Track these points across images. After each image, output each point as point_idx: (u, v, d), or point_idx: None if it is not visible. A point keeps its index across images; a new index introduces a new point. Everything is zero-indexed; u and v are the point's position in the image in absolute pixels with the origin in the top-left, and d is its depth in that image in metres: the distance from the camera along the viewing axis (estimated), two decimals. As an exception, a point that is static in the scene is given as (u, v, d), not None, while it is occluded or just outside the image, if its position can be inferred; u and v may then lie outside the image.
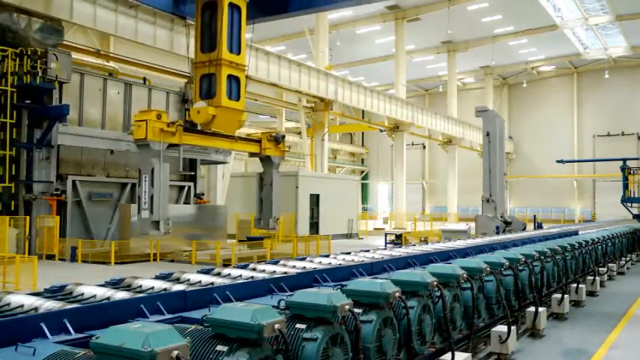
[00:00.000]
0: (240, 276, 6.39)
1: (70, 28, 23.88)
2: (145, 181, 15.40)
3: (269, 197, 19.29)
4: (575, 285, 10.76)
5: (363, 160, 67.94)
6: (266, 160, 19.66)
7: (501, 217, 24.02)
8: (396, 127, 41.10)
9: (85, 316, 4.02)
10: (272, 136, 19.34)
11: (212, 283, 5.71)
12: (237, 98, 17.67)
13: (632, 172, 28.78)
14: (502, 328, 6.89)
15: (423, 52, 51.63)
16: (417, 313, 5.36)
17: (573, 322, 9.36)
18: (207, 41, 17.49)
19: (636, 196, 28.25)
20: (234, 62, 17.62)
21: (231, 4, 17.42)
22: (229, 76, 17.40)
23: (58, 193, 18.28)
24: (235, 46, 17.73)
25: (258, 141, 19.12)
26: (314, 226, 27.87)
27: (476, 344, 7.23)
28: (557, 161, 43.98)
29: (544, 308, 8.41)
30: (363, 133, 65.76)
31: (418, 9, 41.49)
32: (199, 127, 16.95)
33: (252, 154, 19.93)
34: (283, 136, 19.89)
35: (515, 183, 57.86)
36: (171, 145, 15.97)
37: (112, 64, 26.14)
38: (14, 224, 16.16)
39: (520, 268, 8.30)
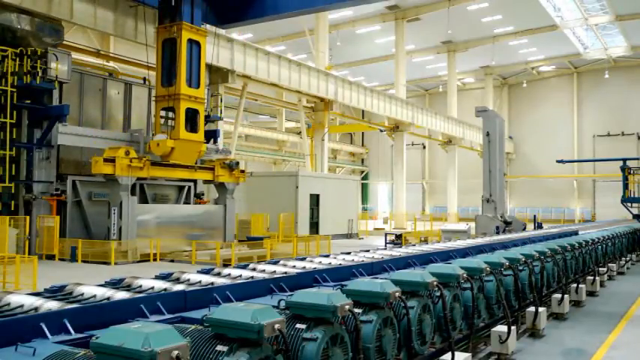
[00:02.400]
0: (240, 276, 6.39)
1: (70, 28, 23.89)
2: (114, 213, 16.94)
3: (223, 221, 20.65)
4: (575, 285, 10.75)
5: (363, 160, 67.95)
6: (220, 187, 20.67)
7: (501, 217, 24.02)
8: (396, 127, 41.10)
9: (85, 316, 4.01)
10: (225, 164, 20.42)
11: (212, 283, 5.71)
12: (196, 130, 18.58)
13: (632, 172, 28.77)
14: (502, 328, 6.89)
15: (423, 52, 51.64)
16: (417, 313, 5.36)
17: (573, 322, 9.36)
18: (167, 76, 18.29)
19: (636, 196, 28.24)
20: (192, 96, 18.41)
21: (190, 40, 18.21)
22: (188, 110, 18.23)
23: (58, 193, 18.28)
24: (195, 81, 18.55)
25: (211, 169, 20.19)
26: (314, 226, 27.88)
27: (476, 344, 7.23)
28: (557, 161, 43.99)
29: (544, 308, 8.41)
30: (363, 133, 65.78)
31: (418, 9, 41.49)
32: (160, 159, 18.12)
33: (206, 182, 21.02)
34: (237, 163, 20.95)
35: (515, 183, 57.86)
36: (140, 179, 17.53)
37: (112, 64, 26.17)
38: (14, 224, 16.16)
39: (520, 268, 8.29)
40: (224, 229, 20.53)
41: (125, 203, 16.95)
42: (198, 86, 18.67)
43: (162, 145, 17.81)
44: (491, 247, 10.79)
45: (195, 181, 23.18)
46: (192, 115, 18.59)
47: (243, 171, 21.46)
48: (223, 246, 18.98)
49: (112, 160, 16.41)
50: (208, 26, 24.24)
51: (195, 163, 19.59)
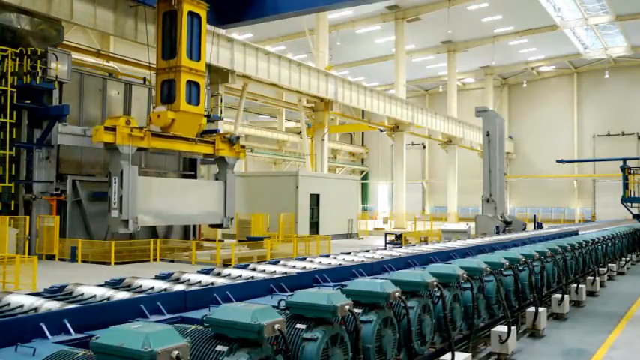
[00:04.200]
0: (240, 276, 6.39)
1: (70, 28, 23.89)
2: (115, 182, 16.54)
3: (221, 197, 19.84)
4: (575, 285, 10.76)
5: (363, 160, 67.95)
6: (220, 161, 20.07)
7: (501, 217, 24.04)
8: (396, 127, 41.10)
9: (85, 316, 4.02)
10: (226, 138, 19.83)
11: (212, 283, 5.71)
12: (197, 103, 18.29)
13: (632, 172, 28.77)
14: (502, 328, 6.89)
15: (423, 52, 51.64)
16: (417, 313, 5.36)
17: (573, 322, 9.36)
18: (168, 48, 18.06)
19: (636, 196, 28.24)
20: (193, 68, 18.17)
21: (190, 13, 17.98)
22: (189, 82, 18.01)
23: (58, 193, 18.28)
24: (195, 53, 18.32)
25: (212, 142, 19.46)
26: (314, 226, 27.88)
27: (476, 344, 7.23)
28: (557, 161, 43.99)
29: (544, 308, 8.41)
30: (363, 133, 65.78)
31: (418, 9, 41.49)
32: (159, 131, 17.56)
33: (206, 155, 20.30)
34: (237, 138, 20.32)
35: (515, 183, 57.85)
36: (140, 149, 16.99)
37: (112, 64, 26.17)
38: (14, 224, 16.16)
39: (520, 268, 8.30)
40: (224, 206, 19.92)
41: (126, 172, 16.53)
42: (198, 59, 18.46)
43: (163, 117, 17.48)
44: (491, 247, 10.80)
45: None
46: (193, 88, 18.28)
47: (243, 146, 20.91)
48: (223, 246, 19.01)
49: (112, 129, 16.02)
50: (208, 27, 24.25)
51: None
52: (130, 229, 16.55)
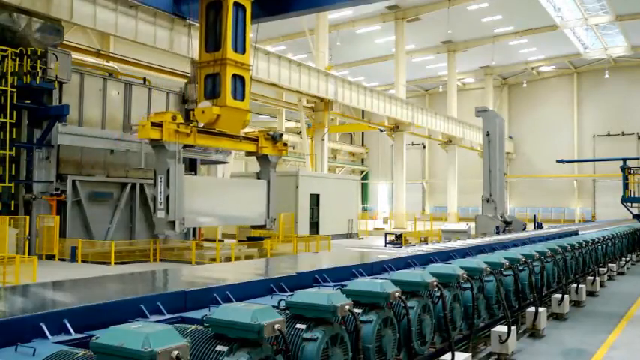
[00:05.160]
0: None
1: (70, 28, 23.88)
2: (161, 181, 15.54)
3: (264, 197, 19.21)
4: (575, 285, 10.76)
5: (363, 160, 67.93)
6: (263, 159, 19.42)
7: (501, 217, 24.03)
8: (396, 127, 41.09)
9: (85, 316, 4.01)
10: (269, 135, 19.18)
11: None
12: (242, 98, 17.51)
13: (632, 172, 28.77)
14: (502, 328, 6.89)
15: (423, 52, 51.62)
16: (417, 313, 5.36)
17: (573, 322, 9.36)
18: (212, 41, 17.32)
19: (636, 196, 28.23)
20: (238, 62, 17.44)
21: (236, 4, 17.26)
22: (234, 76, 17.23)
23: (58, 193, 18.28)
24: (240, 46, 17.58)
25: (255, 139, 18.88)
26: (314, 226, 27.87)
27: (476, 344, 7.23)
28: (557, 161, 43.97)
29: (544, 308, 8.41)
30: (363, 133, 65.75)
31: (418, 9, 41.47)
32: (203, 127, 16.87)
33: (249, 153, 19.70)
34: (281, 135, 19.78)
35: (515, 183, 57.83)
36: (186, 146, 16.18)
37: (112, 64, 26.15)
38: (14, 224, 16.16)
39: (520, 268, 8.30)
40: (267, 204, 19.27)
41: (172, 171, 15.62)
42: (244, 52, 17.75)
43: (208, 113, 16.68)
44: (491, 247, 10.80)
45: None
46: (238, 82, 17.63)
47: (285, 144, 20.38)
48: (224, 246, 19.01)
49: (159, 125, 15.19)
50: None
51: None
52: (176, 231, 15.80)
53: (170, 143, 15.46)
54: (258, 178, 19.59)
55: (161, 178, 15.56)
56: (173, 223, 15.62)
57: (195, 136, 16.17)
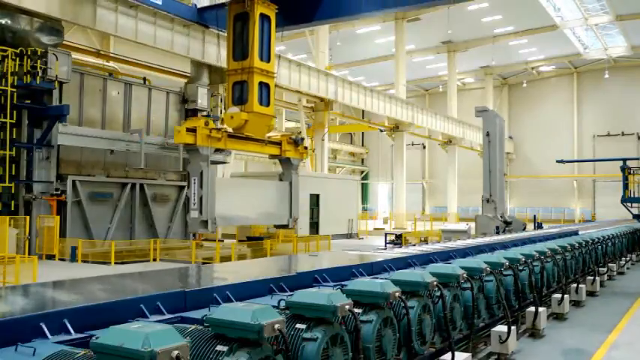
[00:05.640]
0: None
1: (70, 28, 23.89)
2: (194, 183, 16.90)
3: (287, 198, 20.50)
4: (575, 285, 10.76)
5: (363, 160, 67.93)
6: (285, 162, 20.61)
7: (501, 217, 24.01)
8: (396, 127, 41.09)
9: (85, 316, 4.02)
10: (292, 139, 20.36)
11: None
12: (268, 104, 18.66)
13: (632, 172, 28.77)
14: (502, 328, 6.89)
15: (423, 52, 51.62)
16: (417, 313, 5.36)
17: (573, 322, 9.36)
18: (239, 50, 18.43)
19: (636, 196, 28.24)
20: (264, 70, 18.52)
21: (261, 15, 18.33)
22: (260, 83, 18.29)
23: (58, 193, 18.28)
24: (265, 55, 18.67)
25: (278, 143, 20.02)
26: (314, 226, 27.86)
27: (476, 344, 7.23)
28: (557, 161, 43.96)
29: (544, 308, 8.41)
30: (363, 133, 65.75)
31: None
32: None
33: (272, 156, 20.72)
34: (303, 139, 20.93)
35: (515, 183, 57.84)
36: (217, 150, 17.54)
37: (112, 64, 26.17)
38: (14, 224, 16.16)
39: (520, 268, 8.30)
40: (290, 204, 20.42)
41: (205, 173, 16.96)
42: (269, 60, 18.84)
43: (237, 118, 17.81)
44: (491, 247, 10.80)
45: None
46: (264, 89, 18.72)
47: (306, 147, 21.51)
48: (224, 246, 19.02)
49: (193, 130, 16.48)
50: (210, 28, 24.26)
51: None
52: (209, 230, 16.89)
53: (203, 147, 16.77)
54: (281, 180, 20.84)
55: (195, 180, 16.87)
56: (206, 222, 16.90)
57: (225, 140, 17.57)
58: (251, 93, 18.03)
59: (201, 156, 16.84)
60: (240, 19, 18.47)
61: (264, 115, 18.36)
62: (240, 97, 18.25)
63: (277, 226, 20.97)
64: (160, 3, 20.32)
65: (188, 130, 16.40)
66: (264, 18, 18.56)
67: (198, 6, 21.87)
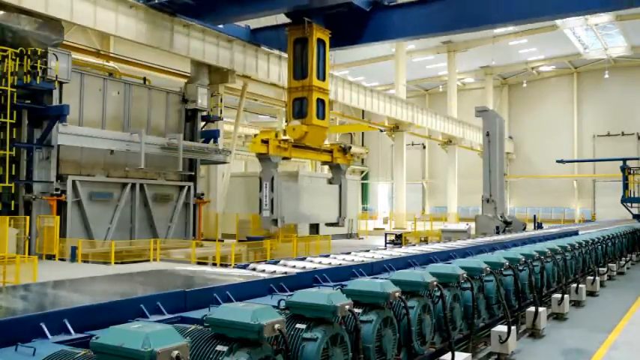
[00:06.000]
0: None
1: (70, 28, 23.88)
2: (266, 187, 19.49)
3: (337, 199, 23.27)
4: (575, 285, 10.76)
5: (363, 160, 67.91)
6: (336, 168, 23.24)
7: (501, 217, 24.02)
8: (396, 127, 41.08)
9: (85, 316, 4.02)
10: (341, 147, 23.27)
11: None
12: (323, 117, 21.22)
13: (632, 172, 28.77)
14: (502, 328, 6.89)
15: (423, 52, 51.59)
16: (417, 313, 5.36)
17: (573, 322, 9.36)
18: (299, 70, 20.90)
19: (636, 196, 28.24)
20: (321, 87, 21.08)
21: (318, 39, 20.83)
22: (317, 99, 20.79)
23: (58, 193, 18.28)
24: (321, 74, 21.19)
25: (330, 151, 22.82)
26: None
27: (476, 344, 7.23)
28: (557, 161, 43.95)
29: (544, 308, 8.41)
30: (363, 133, 65.71)
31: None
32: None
33: (324, 162, 23.81)
34: (350, 147, 23.94)
35: (515, 183, 57.83)
36: (283, 158, 20.34)
37: (112, 64, 26.16)
38: (14, 224, 16.16)
39: (520, 268, 8.30)
40: (339, 205, 22.93)
41: (275, 178, 19.42)
42: (324, 79, 21.23)
43: (298, 130, 20.14)
44: (491, 247, 10.80)
45: (195, 181, 23.22)
46: (320, 104, 21.06)
47: (352, 154, 24.42)
48: (224, 246, 19.02)
49: (266, 142, 19.00)
50: (205, 24, 24.28)
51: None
52: (278, 227, 19.61)
53: (274, 156, 19.40)
54: (330, 183, 23.62)
55: (266, 185, 19.46)
56: (276, 220, 19.40)
57: (290, 149, 20.16)
58: (310, 108, 20.47)
59: (272, 163, 19.35)
60: (299, 43, 20.90)
61: (320, 127, 20.91)
62: (300, 112, 20.69)
63: (328, 224, 23.95)
64: (222, 27, 23.77)
65: (262, 141, 19.06)
66: (320, 42, 21.00)
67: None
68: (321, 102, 21.03)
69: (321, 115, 21.02)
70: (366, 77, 55.42)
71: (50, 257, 17.08)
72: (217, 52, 24.25)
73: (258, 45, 25.56)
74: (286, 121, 21.55)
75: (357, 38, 23.76)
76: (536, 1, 20.47)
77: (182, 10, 21.71)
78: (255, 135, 20.00)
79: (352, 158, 24.45)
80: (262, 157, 19.38)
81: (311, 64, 20.44)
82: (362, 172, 66.15)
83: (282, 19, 23.00)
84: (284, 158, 20.28)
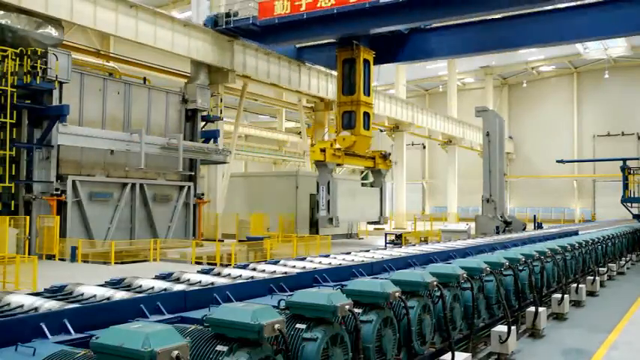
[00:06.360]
0: (240, 276, 6.39)
1: (70, 28, 23.90)
2: (323, 190, 22.53)
3: (379, 199, 26.85)
4: (575, 285, 10.75)
5: (363, 160, 67.86)
6: (377, 172, 26.52)
7: (501, 217, 24.02)
8: (396, 127, 41.09)
9: (85, 316, 4.02)
10: (382, 154, 26.49)
11: (212, 283, 5.71)
12: (368, 128, 24.70)
13: (632, 172, 28.76)
14: (502, 328, 6.88)
15: (423, 52, 51.51)
16: (417, 313, 5.36)
17: (573, 322, 9.36)
18: (347, 87, 24.34)
19: (636, 196, 28.23)
20: (367, 102, 24.41)
21: (364, 59, 24.08)
22: (364, 112, 24.06)
23: (58, 193, 18.27)
24: (366, 90, 24.43)
25: (373, 158, 26.14)
26: (314, 226, 27.83)
27: (476, 344, 7.23)
28: (557, 161, 43.94)
29: (544, 308, 8.40)
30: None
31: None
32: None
33: (367, 167, 27.22)
34: (389, 154, 27.39)
35: (515, 183, 57.84)
36: (337, 164, 23.70)
37: (112, 64, 26.16)
38: (14, 224, 16.15)
39: (520, 268, 8.29)
40: (380, 205, 26.43)
41: (331, 182, 22.27)
42: (369, 94, 24.55)
43: (348, 140, 23.44)
44: (491, 247, 10.80)
45: (195, 181, 23.22)
46: (365, 117, 24.31)
47: (391, 160, 28.03)
48: (223, 245, 19.01)
49: (323, 150, 21.94)
50: (205, 25, 24.29)
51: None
52: (334, 225, 22.80)
53: (330, 163, 22.35)
54: (372, 186, 27.18)
55: (323, 188, 22.43)
56: (331, 219, 22.44)
57: (342, 157, 23.33)
58: (358, 120, 23.85)
59: (328, 169, 22.18)
60: (347, 63, 24.14)
61: (366, 136, 24.21)
62: (348, 123, 23.98)
63: (370, 223, 28.26)
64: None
65: (321, 150, 22.08)
66: (366, 62, 24.16)
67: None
68: (366, 115, 24.28)
69: (367, 126, 24.40)
70: (366, 77, 55.37)
71: (50, 257, 17.08)
72: (217, 52, 24.34)
73: (304, 62, 29.08)
74: (336, 132, 24.77)
75: (396, 57, 27.24)
76: (561, 28, 23.11)
77: (247, 35, 24.76)
78: (313, 144, 24.59)
79: (391, 164, 27.82)
80: (320, 164, 22.23)
81: (359, 82, 23.73)
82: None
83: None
84: (338, 164, 23.35)
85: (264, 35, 24.34)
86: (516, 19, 23.94)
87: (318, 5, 22.31)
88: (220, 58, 24.43)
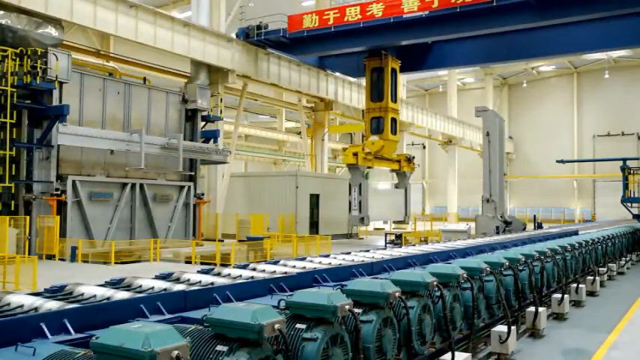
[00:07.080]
0: (240, 276, 6.39)
1: (70, 28, 23.90)
2: (355, 191, 24.86)
3: (403, 200, 29.56)
4: (575, 285, 10.76)
5: (363, 160, 67.87)
6: (401, 174, 29.10)
7: (501, 217, 24.03)
8: (396, 127, 41.05)
9: (85, 316, 4.02)
10: (407, 157, 28.94)
11: (212, 283, 5.71)
12: (395, 133, 26.85)
13: (632, 172, 28.75)
14: (502, 328, 6.89)
15: (423, 52, 51.52)
16: (417, 313, 5.36)
17: (573, 322, 9.36)
18: (376, 94, 26.26)
19: (636, 196, 28.22)
20: (394, 108, 26.46)
21: (391, 68, 25.98)
22: (391, 118, 25.97)
23: (58, 193, 18.26)
24: (393, 97, 26.51)
25: (398, 161, 28.49)
26: (314, 226, 27.83)
27: (476, 344, 7.23)
28: (557, 161, 43.93)
29: (544, 308, 8.41)
30: (363, 133, 65.67)
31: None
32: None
33: (392, 170, 29.30)
34: (413, 157, 30.14)
35: (515, 183, 57.82)
36: (368, 167, 26.31)
37: (112, 64, 26.17)
38: (14, 224, 16.14)
39: (520, 268, 8.30)
40: (405, 206, 29.33)
41: (363, 184, 24.47)
42: (395, 101, 26.55)
43: (376, 144, 25.40)
44: (491, 247, 10.81)
45: (195, 181, 23.21)
46: (392, 122, 26.23)
47: (414, 163, 30.70)
48: (223, 245, 19.00)
49: (355, 154, 23.98)
50: (206, 25, 24.32)
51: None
52: (365, 224, 25.43)
53: (361, 166, 24.47)
54: (396, 188, 30.40)
55: (355, 189, 24.75)
56: (362, 219, 24.73)
57: (372, 160, 25.60)
58: (386, 126, 25.72)
59: (360, 172, 24.27)
60: (375, 72, 25.90)
61: (393, 141, 26.28)
62: (377, 128, 25.72)
63: (396, 222, 31.17)
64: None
65: (353, 154, 24.11)
66: (393, 70, 25.94)
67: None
68: (393, 120, 26.12)
69: (394, 131, 26.29)
70: (366, 77, 55.35)
71: (50, 257, 17.07)
72: (217, 52, 24.34)
73: (325, 69, 30.34)
74: (364, 137, 26.60)
75: (421, 66, 28.99)
76: (574, 40, 24.31)
77: (276, 46, 26.23)
78: (345, 149, 25.93)
79: (414, 166, 29.88)
80: (352, 167, 24.22)
81: (387, 90, 25.56)
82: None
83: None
84: (368, 167, 25.39)
85: (292, 47, 26.07)
86: (536, 31, 24.56)
87: (345, 19, 23.81)
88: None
